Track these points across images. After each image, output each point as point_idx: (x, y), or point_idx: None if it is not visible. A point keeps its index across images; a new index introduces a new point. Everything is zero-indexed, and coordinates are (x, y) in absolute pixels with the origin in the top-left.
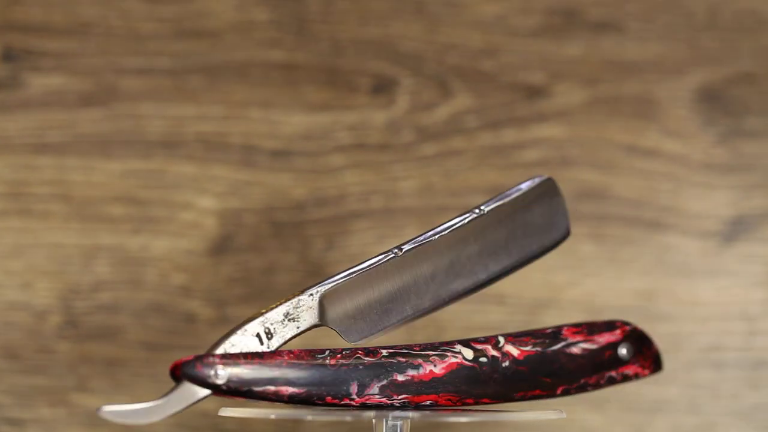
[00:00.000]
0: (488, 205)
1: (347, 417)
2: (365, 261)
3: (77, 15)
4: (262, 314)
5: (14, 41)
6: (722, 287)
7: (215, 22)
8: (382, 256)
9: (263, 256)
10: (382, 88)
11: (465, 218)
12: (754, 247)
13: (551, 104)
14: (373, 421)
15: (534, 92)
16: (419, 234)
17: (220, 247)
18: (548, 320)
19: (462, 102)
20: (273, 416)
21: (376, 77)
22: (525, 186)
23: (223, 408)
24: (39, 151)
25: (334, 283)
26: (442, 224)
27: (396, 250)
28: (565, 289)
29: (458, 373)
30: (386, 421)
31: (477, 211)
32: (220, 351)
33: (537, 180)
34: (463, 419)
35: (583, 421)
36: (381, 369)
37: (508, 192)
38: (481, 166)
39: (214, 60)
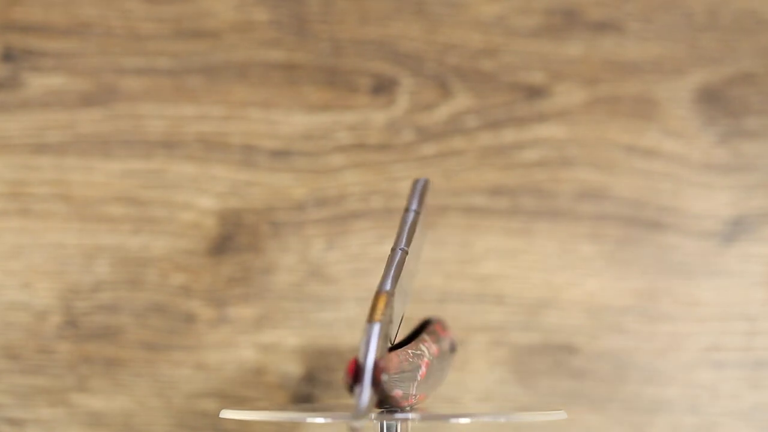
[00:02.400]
0: (414, 206)
1: (346, 420)
2: (391, 262)
3: (77, 15)
4: (382, 316)
5: (14, 41)
6: (722, 287)
7: (215, 22)
8: (398, 255)
9: (263, 256)
10: (382, 88)
11: (411, 217)
12: (754, 247)
13: (551, 104)
14: (375, 422)
15: (534, 92)
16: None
17: (220, 247)
18: (548, 320)
19: (462, 102)
20: (274, 420)
21: (376, 77)
22: (420, 186)
23: (224, 410)
24: (39, 151)
25: (393, 281)
26: (407, 224)
27: (402, 249)
28: (565, 289)
29: (429, 371)
30: (385, 423)
31: (413, 210)
32: (375, 356)
33: (422, 181)
34: (464, 421)
35: (583, 421)
36: (415, 369)
37: (413, 192)
38: (481, 166)
39: (214, 60)
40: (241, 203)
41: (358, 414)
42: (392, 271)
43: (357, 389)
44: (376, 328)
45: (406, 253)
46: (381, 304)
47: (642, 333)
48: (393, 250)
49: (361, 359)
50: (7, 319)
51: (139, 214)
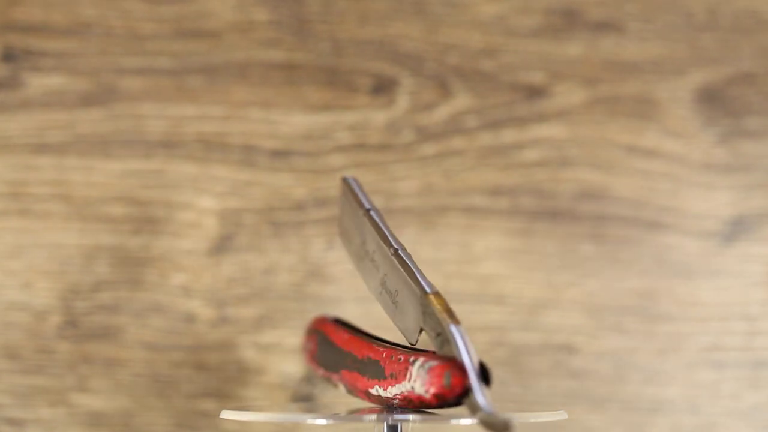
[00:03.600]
0: (368, 204)
1: (348, 423)
2: (410, 264)
3: (77, 15)
4: (450, 316)
5: (14, 41)
6: (722, 287)
7: (215, 22)
8: (407, 255)
9: (263, 256)
10: (382, 88)
11: (377, 215)
12: (754, 247)
13: (551, 104)
14: (380, 424)
15: (534, 92)
16: (388, 232)
17: (220, 247)
18: (548, 320)
19: (462, 102)
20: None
21: (376, 77)
22: (357, 185)
23: (224, 410)
24: (39, 151)
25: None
26: (381, 223)
27: (403, 248)
28: (565, 289)
29: None
30: (386, 425)
31: (370, 208)
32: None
33: (354, 179)
34: (465, 422)
35: (583, 421)
36: None
37: (357, 192)
38: (481, 166)
39: (214, 60)
40: (241, 203)
41: (493, 413)
42: (420, 273)
43: (474, 393)
44: (462, 329)
45: (405, 249)
46: (447, 303)
47: (642, 333)
48: (395, 252)
49: (467, 361)
50: (7, 319)
51: (139, 214)
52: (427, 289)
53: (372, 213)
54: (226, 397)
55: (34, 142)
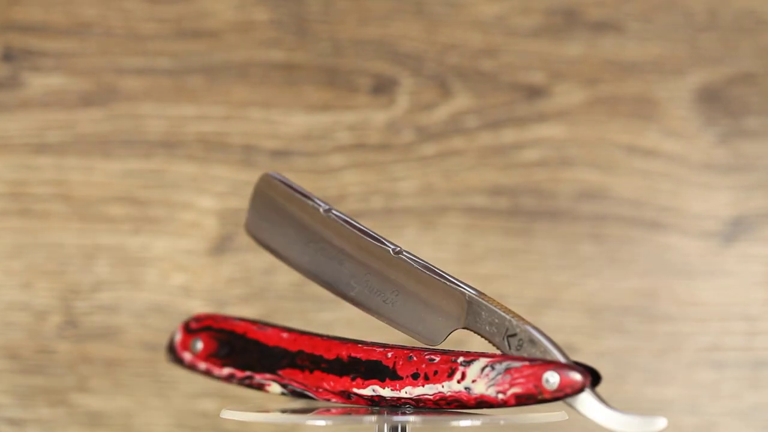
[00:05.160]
0: (324, 204)
1: (348, 423)
2: (430, 266)
3: (77, 15)
4: (518, 317)
5: (14, 41)
6: (722, 287)
7: (215, 22)
8: (411, 255)
9: (263, 256)
10: (382, 88)
11: (343, 214)
12: (754, 247)
13: (551, 104)
14: (376, 426)
15: (534, 92)
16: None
17: (220, 247)
18: (548, 320)
19: (462, 102)
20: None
21: (376, 77)
22: (288, 180)
23: (224, 410)
24: (39, 151)
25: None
26: (359, 224)
27: (401, 249)
28: (565, 289)
29: None
30: (387, 425)
31: (329, 208)
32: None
33: (278, 174)
34: (464, 423)
35: (584, 421)
36: None
37: (294, 188)
38: (481, 166)
39: (214, 60)
40: (241, 203)
41: (614, 412)
42: (447, 274)
43: (593, 394)
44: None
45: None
46: (496, 303)
47: (642, 333)
48: (398, 253)
49: (566, 360)
50: (7, 319)
51: (139, 214)
52: (472, 291)
53: (334, 212)
54: (226, 397)
55: (34, 142)
